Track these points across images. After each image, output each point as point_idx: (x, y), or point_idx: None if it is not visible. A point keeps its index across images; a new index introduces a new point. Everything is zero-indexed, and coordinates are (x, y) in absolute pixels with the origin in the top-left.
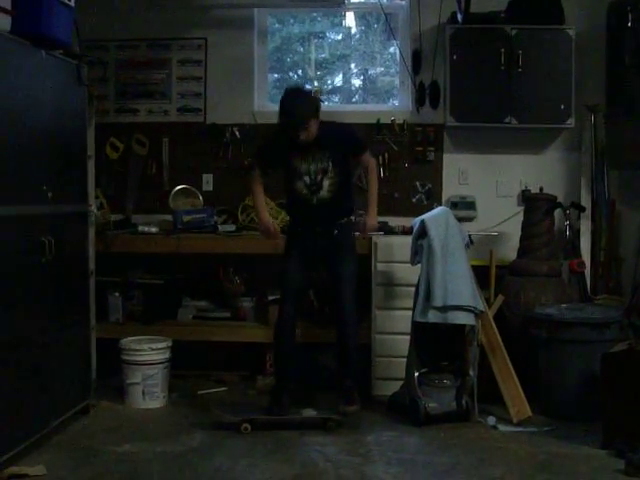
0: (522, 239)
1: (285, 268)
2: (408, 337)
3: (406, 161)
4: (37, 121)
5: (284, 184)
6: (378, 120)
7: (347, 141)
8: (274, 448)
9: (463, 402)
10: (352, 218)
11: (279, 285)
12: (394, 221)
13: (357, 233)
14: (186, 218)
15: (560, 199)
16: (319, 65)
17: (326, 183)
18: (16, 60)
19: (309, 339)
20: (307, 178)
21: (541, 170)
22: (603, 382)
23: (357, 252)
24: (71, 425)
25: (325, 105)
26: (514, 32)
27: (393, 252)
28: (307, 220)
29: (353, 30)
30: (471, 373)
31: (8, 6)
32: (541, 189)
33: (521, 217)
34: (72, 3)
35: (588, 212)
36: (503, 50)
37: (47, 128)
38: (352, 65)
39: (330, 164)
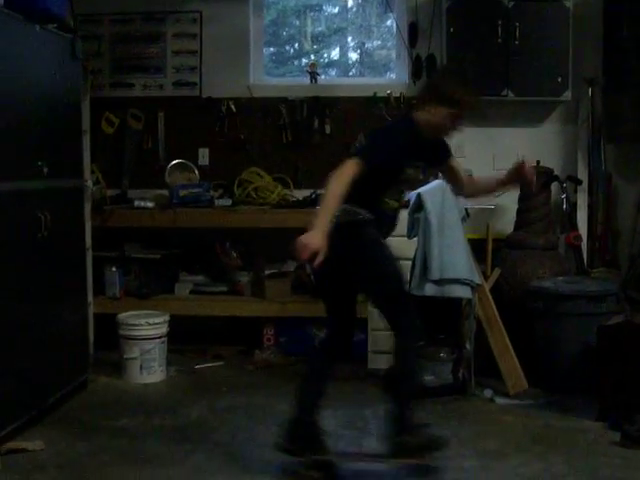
0: (519, 212)
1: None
2: None
3: None
4: (31, 96)
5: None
6: (375, 93)
7: None
8: (272, 421)
9: (460, 375)
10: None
11: (394, 291)
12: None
13: None
14: (182, 193)
15: (557, 172)
16: (315, 39)
17: None
18: (10, 34)
19: (307, 313)
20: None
21: (538, 143)
22: (599, 354)
23: None
24: (69, 400)
25: (322, 79)
26: (511, 4)
27: None
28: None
29: (350, 3)
30: (468, 346)
31: None
32: (538, 162)
33: (517, 190)
34: None
35: (585, 185)
36: (500, 22)
37: (42, 103)
38: (349, 38)
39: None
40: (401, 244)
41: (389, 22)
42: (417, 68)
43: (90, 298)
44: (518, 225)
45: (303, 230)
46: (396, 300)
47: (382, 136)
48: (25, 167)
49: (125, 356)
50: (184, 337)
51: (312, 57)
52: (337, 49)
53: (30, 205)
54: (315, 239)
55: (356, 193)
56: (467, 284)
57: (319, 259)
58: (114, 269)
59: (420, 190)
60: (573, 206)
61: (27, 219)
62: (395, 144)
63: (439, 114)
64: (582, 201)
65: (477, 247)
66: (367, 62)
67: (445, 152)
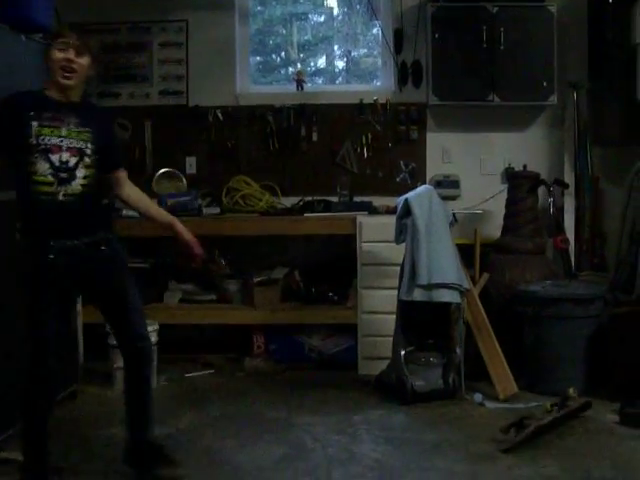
0: (506, 217)
1: (34, 313)
2: (394, 316)
3: (389, 141)
4: None
5: (16, 167)
6: (361, 100)
7: (112, 136)
8: (262, 429)
9: (450, 380)
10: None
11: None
12: (378, 200)
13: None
14: (170, 201)
15: (543, 176)
16: (302, 47)
17: (80, 172)
18: None
19: (296, 320)
20: (57, 158)
21: (524, 148)
22: (610, 342)
23: None
24: (58, 410)
25: (308, 87)
26: (495, 9)
27: (378, 231)
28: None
29: (335, 11)
30: (457, 351)
31: None
32: (524, 167)
33: (505, 195)
34: None
35: (572, 189)
36: (485, 28)
37: None
38: (335, 47)
39: (86, 144)
40: (390, 250)
41: (375, 30)
42: (403, 75)
43: (79, 307)
44: (506, 230)
45: (292, 237)
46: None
47: None
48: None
49: (115, 365)
50: (174, 346)
51: (299, 65)
52: (323, 57)
53: (14, 216)
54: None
55: None
56: (456, 289)
57: None
58: None
59: (407, 196)
60: (560, 210)
61: (8, 228)
62: None
63: (51, 58)
64: (569, 205)
65: (465, 252)
66: (353, 70)
67: None
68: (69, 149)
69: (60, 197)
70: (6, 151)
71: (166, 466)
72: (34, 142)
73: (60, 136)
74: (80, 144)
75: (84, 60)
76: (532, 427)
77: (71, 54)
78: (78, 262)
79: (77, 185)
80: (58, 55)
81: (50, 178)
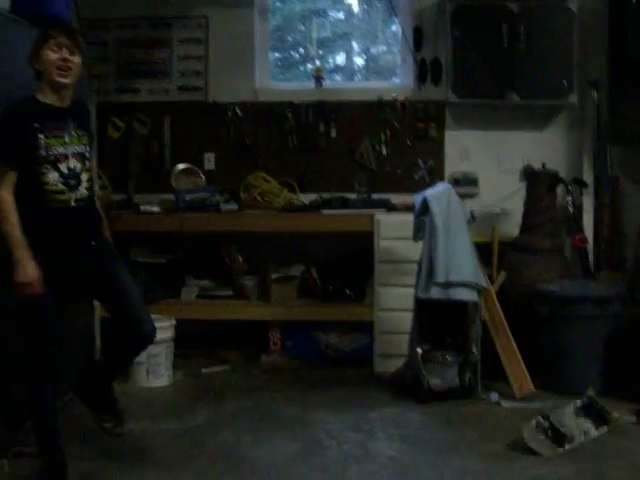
0: (524, 215)
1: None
2: (411, 314)
3: (408, 138)
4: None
5: (23, 179)
6: (380, 97)
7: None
8: (278, 425)
9: (466, 378)
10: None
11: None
12: (396, 198)
13: None
14: (188, 197)
15: (562, 175)
16: (321, 44)
17: (85, 176)
18: (16, 39)
19: (313, 317)
20: (65, 166)
21: (543, 146)
22: (628, 343)
23: None
24: (76, 404)
25: (327, 84)
26: (516, 8)
27: (395, 229)
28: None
29: (355, 8)
30: (474, 350)
31: None
32: (543, 165)
33: (523, 193)
34: None
35: (591, 188)
36: (505, 26)
37: None
38: (354, 43)
39: (86, 148)
40: (407, 247)
41: (394, 27)
42: (422, 72)
43: (96, 302)
44: (524, 228)
45: (309, 234)
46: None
47: None
48: None
49: None
50: (190, 341)
51: (317, 62)
52: (342, 54)
53: None
54: (26, 273)
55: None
56: (473, 287)
57: (39, 287)
58: None
59: (426, 193)
60: (579, 209)
61: None
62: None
63: (43, 59)
64: (588, 204)
65: (483, 250)
66: (372, 67)
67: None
68: (74, 155)
69: (72, 203)
70: (18, 164)
71: (113, 419)
72: (44, 154)
73: (64, 144)
74: (81, 148)
75: (77, 59)
76: (574, 444)
77: (65, 53)
78: (90, 262)
79: (83, 189)
80: (52, 56)
81: (61, 186)
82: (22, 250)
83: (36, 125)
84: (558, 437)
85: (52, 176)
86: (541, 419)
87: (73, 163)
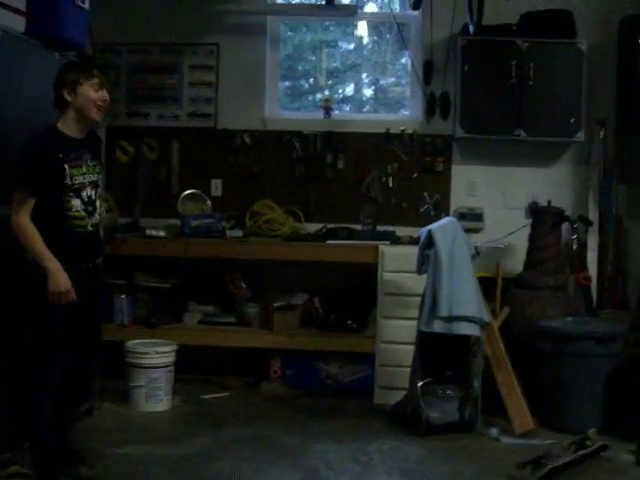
0: (529, 252)
1: (50, 331)
2: (413, 347)
3: (415, 171)
4: (49, 122)
5: (44, 206)
6: (388, 130)
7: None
8: (278, 454)
9: (466, 413)
10: None
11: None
12: (401, 231)
13: None
14: (194, 223)
15: (568, 213)
16: (330, 74)
17: (98, 203)
18: (29, 62)
19: (314, 347)
20: (85, 194)
21: (549, 183)
22: (629, 382)
23: None
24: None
25: (336, 114)
26: (525, 45)
27: (400, 261)
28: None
29: (365, 40)
30: (475, 384)
31: (23, 8)
32: (549, 202)
33: (528, 230)
34: (86, 6)
35: (595, 226)
36: (514, 63)
37: None
38: (363, 75)
39: (98, 176)
40: (411, 280)
41: (404, 59)
42: (431, 105)
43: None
44: (528, 264)
45: (313, 264)
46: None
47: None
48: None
49: (131, 384)
50: (191, 367)
51: (327, 92)
52: (352, 85)
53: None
54: (59, 283)
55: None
56: (476, 322)
57: (72, 295)
58: (123, 297)
59: (431, 227)
60: (583, 246)
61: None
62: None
63: (81, 94)
64: (592, 242)
65: (487, 285)
66: (381, 98)
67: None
68: (90, 184)
69: (89, 228)
70: (40, 191)
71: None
72: (69, 182)
73: (83, 173)
74: (95, 177)
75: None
76: (548, 468)
77: (106, 94)
78: (94, 282)
79: (97, 215)
80: (94, 95)
81: (82, 213)
82: (53, 263)
83: (61, 156)
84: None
85: (75, 203)
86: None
87: (90, 191)
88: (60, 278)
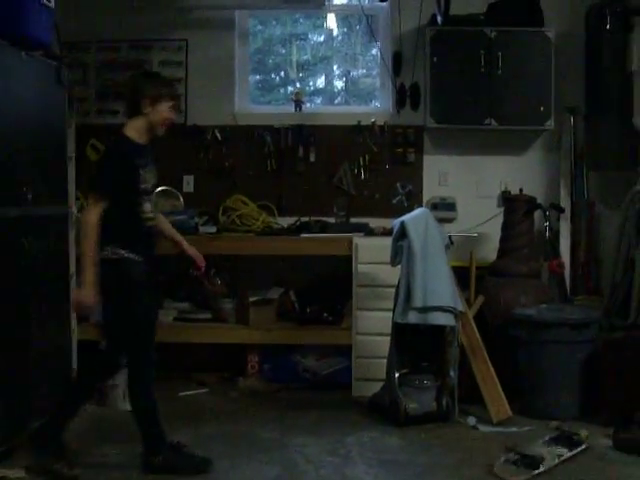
0: (502, 240)
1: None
2: (389, 338)
3: (387, 163)
4: (17, 122)
5: (122, 207)
6: (359, 122)
7: None
8: (256, 449)
9: (443, 402)
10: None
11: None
12: (375, 222)
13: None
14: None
15: (540, 200)
16: (301, 67)
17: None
18: None
19: (291, 341)
20: (152, 197)
21: (521, 171)
22: (604, 367)
23: None
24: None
25: (307, 107)
26: (494, 34)
27: (374, 253)
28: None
29: (335, 32)
30: (451, 374)
31: None
32: (521, 190)
33: (501, 218)
34: (52, 4)
35: (567, 213)
36: (483, 52)
37: (27, 129)
38: (334, 67)
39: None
40: (385, 272)
41: (374, 51)
42: (401, 97)
43: (74, 325)
44: (501, 253)
45: (287, 257)
46: (135, 346)
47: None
48: (9, 193)
49: (109, 383)
50: (168, 364)
51: (298, 85)
52: (323, 77)
53: (13, 232)
54: (85, 296)
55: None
56: (450, 311)
57: (92, 312)
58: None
59: (404, 218)
60: (556, 234)
61: (10, 245)
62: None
63: (158, 110)
64: (565, 229)
65: (461, 275)
66: (352, 90)
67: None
68: (152, 187)
69: (155, 227)
70: (115, 194)
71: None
72: (143, 187)
73: (152, 178)
74: (154, 181)
75: None
76: (542, 469)
77: (175, 115)
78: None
79: (155, 215)
80: (168, 115)
81: (152, 214)
82: (89, 274)
83: (136, 162)
84: (529, 463)
85: (147, 205)
86: (509, 454)
87: (153, 194)
88: (90, 292)
